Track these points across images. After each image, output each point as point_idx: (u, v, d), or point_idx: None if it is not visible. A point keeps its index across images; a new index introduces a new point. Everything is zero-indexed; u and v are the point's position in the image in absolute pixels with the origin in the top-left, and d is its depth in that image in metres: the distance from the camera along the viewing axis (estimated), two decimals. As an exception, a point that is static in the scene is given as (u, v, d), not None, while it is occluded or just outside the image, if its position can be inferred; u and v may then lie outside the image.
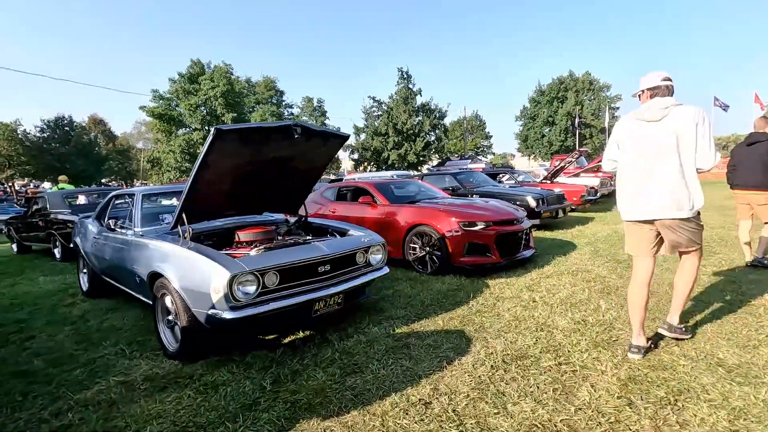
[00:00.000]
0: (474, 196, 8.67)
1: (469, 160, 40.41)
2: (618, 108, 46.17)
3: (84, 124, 48.07)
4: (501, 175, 12.98)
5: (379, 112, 38.71)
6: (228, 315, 2.62)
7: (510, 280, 4.74)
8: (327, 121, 43.32)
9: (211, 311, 2.67)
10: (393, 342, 3.17)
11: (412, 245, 5.43)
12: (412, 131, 36.94)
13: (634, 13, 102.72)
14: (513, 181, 12.14)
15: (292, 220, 4.36)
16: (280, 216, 4.51)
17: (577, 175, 14.53)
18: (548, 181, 11.88)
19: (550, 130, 46.87)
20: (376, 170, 39.09)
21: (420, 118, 37.56)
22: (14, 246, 9.57)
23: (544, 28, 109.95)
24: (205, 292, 2.69)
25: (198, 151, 29.27)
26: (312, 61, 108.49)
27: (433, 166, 41.39)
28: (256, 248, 3.19)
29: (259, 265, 2.76)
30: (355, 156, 41.32)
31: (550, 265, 5.33)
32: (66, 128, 38.04)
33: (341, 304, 3.26)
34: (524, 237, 5.51)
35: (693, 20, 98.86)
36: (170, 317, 3.08)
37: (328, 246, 3.21)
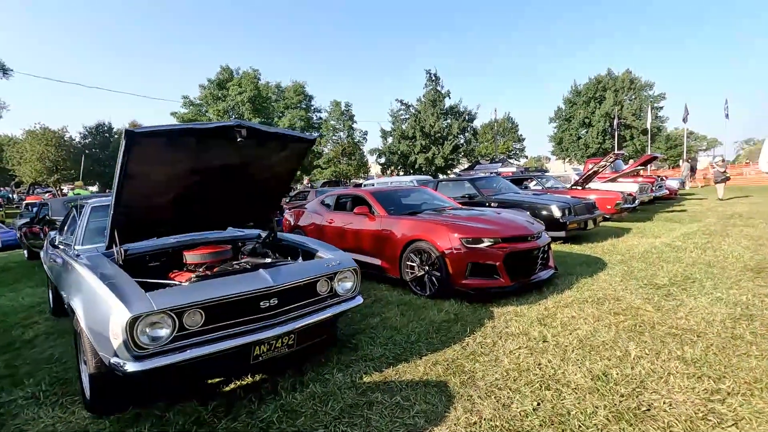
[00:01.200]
0: (492, 204, 7.89)
1: (500, 164, 39.20)
2: (662, 108, 43.51)
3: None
4: (528, 181, 12.02)
5: (407, 116, 38.10)
6: (130, 366, 2.06)
7: (520, 309, 3.98)
8: (354, 125, 43.07)
9: (114, 359, 2.12)
10: (354, 397, 2.52)
11: (409, 263, 4.75)
12: (440, 134, 36.08)
13: (677, 6, 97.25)
14: (540, 188, 11.18)
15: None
16: (253, 232, 3.96)
17: (613, 180, 13.34)
18: (579, 188, 10.85)
19: (586, 132, 44.70)
20: (404, 174, 38.52)
21: (448, 121, 36.63)
22: (25, 252, 9.59)
23: (581, 24, 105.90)
24: (106, 335, 2.15)
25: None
26: (340, 65, 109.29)
27: (462, 170, 40.45)
28: (191, 276, 2.64)
29: (174, 303, 2.19)
30: (382, 160, 40.90)
31: (572, 290, 4.51)
32: (106, 134, 39.65)
33: (293, 345, 2.65)
34: (541, 255, 4.71)
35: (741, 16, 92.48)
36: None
37: (275, 275, 2.60)
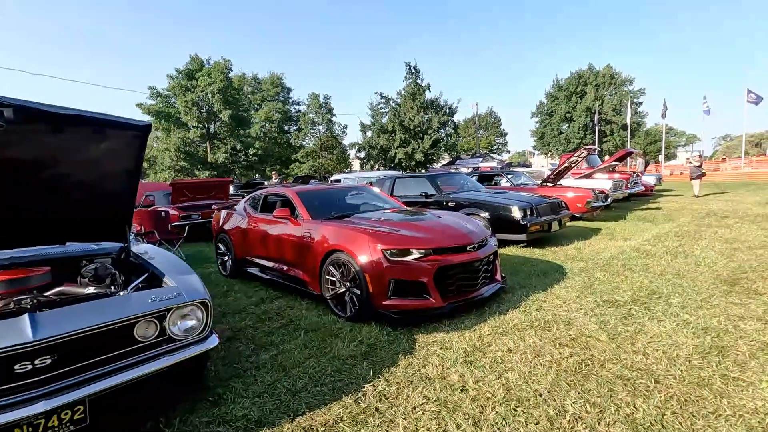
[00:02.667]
0: (449, 204, 7.19)
1: (480, 159, 38.76)
2: (642, 103, 43.59)
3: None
4: (498, 176, 11.36)
5: (386, 109, 37.25)
6: None
7: (449, 338, 3.25)
8: (334, 119, 42.04)
9: None
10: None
11: (329, 277, 3.99)
12: (419, 128, 35.35)
13: (656, 2, 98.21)
14: (509, 185, 10.52)
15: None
16: (112, 245, 3.12)
17: (587, 176, 12.80)
18: (549, 184, 10.23)
19: (568, 127, 44.56)
20: (383, 169, 37.80)
21: (428, 115, 35.86)
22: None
23: (562, 19, 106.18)
24: None
25: (194, 149, 28.39)
26: (320, 57, 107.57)
27: (442, 165, 39.89)
28: None
29: None
30: (362, 154, 40.09)
31: (518, 310, 3.81)
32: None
33: (87, 419, 1.86)
34: (484, 268, 4.00)
35: (719, 7, 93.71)
36: None
37: (48, 322, 1.80)
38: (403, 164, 36.06)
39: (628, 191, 13.27)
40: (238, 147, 29.34)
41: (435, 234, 3.86)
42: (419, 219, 4.40)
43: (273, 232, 4.87)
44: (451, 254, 3.71)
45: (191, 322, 2.23)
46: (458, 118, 39.77)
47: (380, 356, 3.00)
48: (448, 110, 37.01)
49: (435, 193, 7.53)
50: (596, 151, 12.46)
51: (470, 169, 31.65)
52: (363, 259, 3.61)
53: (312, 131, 42.14)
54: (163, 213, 8.36)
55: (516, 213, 6.36)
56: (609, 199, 10.28)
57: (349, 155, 43.00)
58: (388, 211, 4.97)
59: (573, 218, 9.31)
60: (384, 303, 3.53)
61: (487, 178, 11.83)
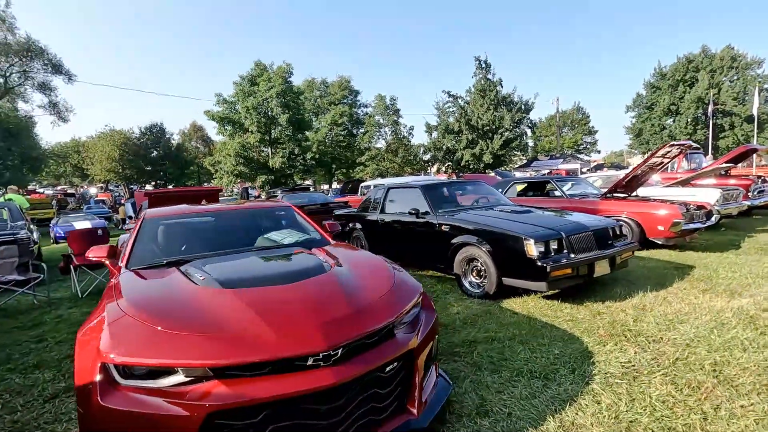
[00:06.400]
0: (442, 228, 5.01)
1: (561, 160, 34.45)
2: (774, 89, 35.39)
3: (185, 131, 52.33)
4: (550, 184, 8.66)
5: (453, 108, 34.68)
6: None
7: None
8: (400, 120, 40.44)
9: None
10: None
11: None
12: (489, 127, 32.22)
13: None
14: (562, 196, 7.83)
15: None
16: None
17: (685, 182, 9.43)
18: (620, 195, 7.36)
19: (672, 121, 37.85)
20: (452, 172, 35.42)
21: (500, 112, 32.49)
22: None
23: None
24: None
25: (253, 154, 28.59)
26: (388, 59, 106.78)
27: (516, 167, 36.22)
28: None
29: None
30: (428, 156, 38.06)
31: None
32: (158, 134, 41.10)
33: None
34: (364, 401, 1.89)
35: None
36: None
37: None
38: (471, 167, 33.22)
39: (749, 203, 9.56)
40: (296, 151, 28.99)
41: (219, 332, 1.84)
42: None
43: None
44: (259, 377, 1.69)
45: None
46: (540, 115, 35.76)
47: None
48: (522, 107, 33.32)
49: (429, 211, 5.36)
50: (693, 148, 9.06)
51: (527, 174, 27.91)
52: (80, 377, 1.74)
53: (378, 133, 41.00)
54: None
55: (531, 249, 3.99)
56: (714, 218, 7.11)
57: (422, 158, 40.94)
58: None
59: (641, 248, 6.47)
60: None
61: (538, 186, 9.20)
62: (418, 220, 5.41)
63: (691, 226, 6.39)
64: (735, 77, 35.36)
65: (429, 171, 38.69)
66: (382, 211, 6.30)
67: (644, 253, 6.29)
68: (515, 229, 4.27)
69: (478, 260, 4.57)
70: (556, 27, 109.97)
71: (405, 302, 2.23)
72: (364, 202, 6.96)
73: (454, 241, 4.83)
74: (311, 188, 33.21)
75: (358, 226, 6.75)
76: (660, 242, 6.40)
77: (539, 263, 3.93)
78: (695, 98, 35.23)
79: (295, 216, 3.77)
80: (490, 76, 33.19)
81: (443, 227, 5.02)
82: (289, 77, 28.75)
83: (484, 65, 33.22)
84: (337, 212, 7.88)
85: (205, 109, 29.18)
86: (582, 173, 24.50)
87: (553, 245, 4.10)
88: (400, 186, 6.35)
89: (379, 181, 14.39)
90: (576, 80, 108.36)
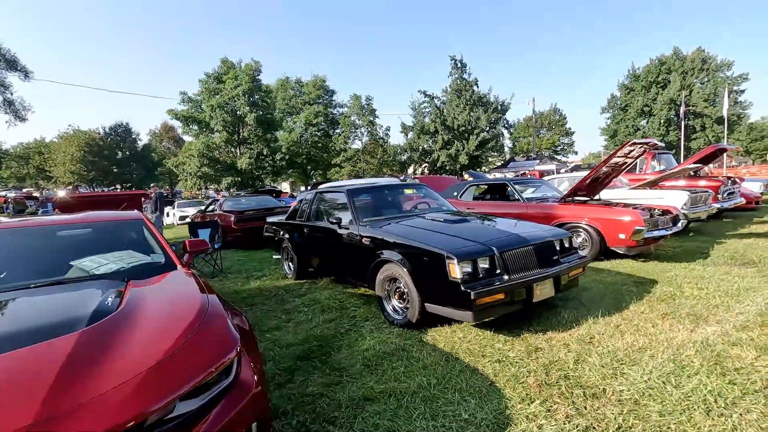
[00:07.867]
0: (362, 240, 4.22)
1: (537, 161, 34.17)
2: (743, 91, 36.11)
3: (156, 131, 50.37)
4: (510, 188, 7.98)
5: (429, 108, 34.07)
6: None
7: None
8: (376, 120, 39.63)
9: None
10: None
11: None
12: (464, 128, 31.71)
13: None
14: (519, 199, 7.14)
15: None
16: None
17: (652, 184, 8.89)
18: (581, 199, 6.71)
19: (646, 123, 38.14)
20: (429, 173, 34.87)
21: (476, 113, 32.00)
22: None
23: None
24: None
25: (218, 155, 27.37)
26: (363, 58, 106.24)
27: (493, 168, 35.82)
28: None
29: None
30: (404, 157, 37.35)
31: None
32: (123, 134, 39.33)
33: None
34: None
35: None
36: None
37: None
38: (447, 168, 32.67)
39: (719, 205, 9.06)
40: (264, 152, 27.86)
41: None
42: None
43: None
44: None
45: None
46: (517, 116, 35.45)
47: None
48: (499, 107, 32.93)
49: (352, 220, 4.55)
50: (660, 148, 8.52)
51: (503, 175, 27.47)
52: None
53: (354, 134, 40.10)
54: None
55: (454, 270, 3.22)
56: (680, 223, 6.50)
57: (399, 159, 40.13)
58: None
59: (611, 255, 5.85)
60: None
61: (497, 189, 8.50)
62: (340, 231, 4.61)
63: (656, 233, 5.76)
64: (706, 79, 35.82)
65: (406, 172, 38.01)
66: (309, 219, 5.47)
67: (604, 264, 5.63)
68: (438, 244, 3.49)
69: (400, 281, 3.79)
70: (527, 25, 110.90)
71: (191, 375, 1.42)
72: (293, 209, 6.12)
73: (376, 256, 4.04)
74: (290, 191, 32.13)
75: (286, 236, 5.91)
76: (621, 252, 5.75)
77: (463, 288, 3.16)
78: (668, 100, 35.54)
79: (143, 232, 2.91)
80: (465, 76, 32.73)
81: (364, 240, 4.23)
82: (258, 75, 27.66)
83: (459, 65, 32.73)
84: (269, 219, 7.01)
85: (168, 108, 27.84)
86: (559, 174, 24.14)
87: (483, 264, 3.34)
88: (329, 190, 5.53)
89: (336, 183, 13.53)
90: (552, 80, 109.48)
